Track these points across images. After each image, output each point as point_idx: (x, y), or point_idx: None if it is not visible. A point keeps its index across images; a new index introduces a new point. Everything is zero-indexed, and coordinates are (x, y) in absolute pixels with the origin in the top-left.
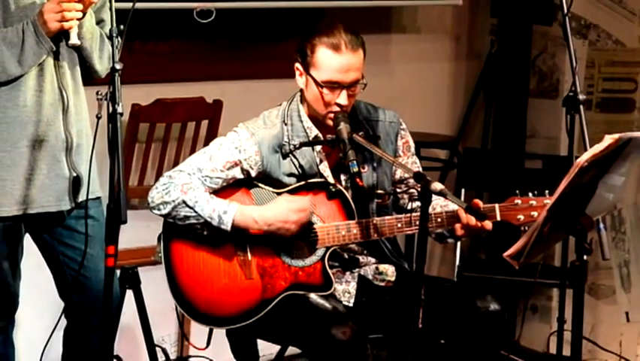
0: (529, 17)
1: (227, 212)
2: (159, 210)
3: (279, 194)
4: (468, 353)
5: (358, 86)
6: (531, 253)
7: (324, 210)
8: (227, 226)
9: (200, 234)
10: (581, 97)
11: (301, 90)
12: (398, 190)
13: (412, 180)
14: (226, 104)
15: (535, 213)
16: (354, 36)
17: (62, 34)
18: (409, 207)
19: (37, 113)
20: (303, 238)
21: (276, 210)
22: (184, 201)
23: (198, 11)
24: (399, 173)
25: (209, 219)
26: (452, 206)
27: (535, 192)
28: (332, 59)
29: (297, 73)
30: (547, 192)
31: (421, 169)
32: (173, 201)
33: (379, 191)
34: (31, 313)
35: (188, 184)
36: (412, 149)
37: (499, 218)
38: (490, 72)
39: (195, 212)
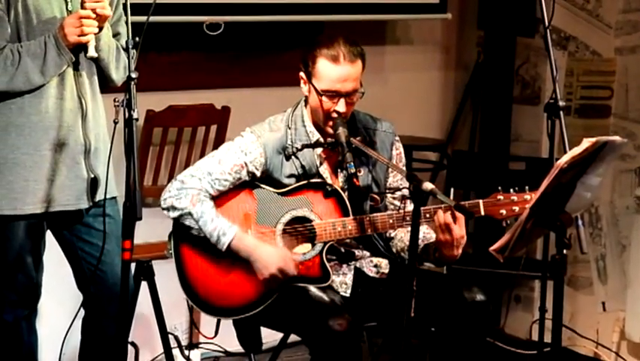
0: (513, 30)
1: (226, 234)
2: (168, 212)
3: (279, 194)
4: (456, 340)
5: (356, 94)
6: (515, 247)
7: (322, 208)
8: (223, 246)
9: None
10: (561, 103)
11: (305, 97)
12: (389, 195)
13: (404, 189)
14: (233, 111)
15: (516, 208)
16: (353, 48)
17: (81, 47)
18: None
19: (58, 119)
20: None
21: (266, 255)
22: (190, 213)
23: (208, 24)
24: (391, 179)
25: (208, 236)
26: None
27: (516, 188)
28: (331, 70)
29: (302, 81)
30: (527, 187)
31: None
32: (182, 209)
33: (374, 192)
34: (53, 303)
35: (198, 195)
36: (404, 160)
37: (483, 213)
38: (477, 80)
39: (198, 225)
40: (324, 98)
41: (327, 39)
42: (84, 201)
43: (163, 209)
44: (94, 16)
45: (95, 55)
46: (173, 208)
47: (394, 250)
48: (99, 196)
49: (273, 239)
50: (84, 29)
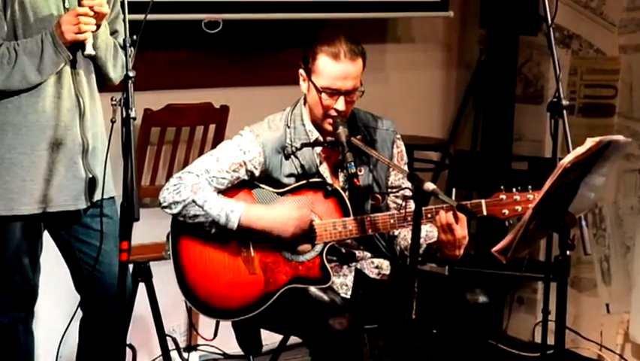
0: (515, 28)
1: (234, 211)
2: (170, 209)
3: (279, 194)
4: (458, 343)
5: (356, 93)
6: (517, 248)
7: (322, 208)
8: (233, 224)
9: (206, 232)
10: (564, 102)
11: (305, 95)
12: (390, 193)
13: (406, 189)
14: (232, 110)
15: (519, 208)
16: (354, 46)
17: (79, 45)
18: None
19: (56, 118)
20: (297, 240)
21: (279, 213)
22: (194, 201)
23: (206, 22)
24: (392, 178)
25: (217, 218)
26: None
27: (519, 188)
28: (331, 67)
29: (301, 78)
30: (530, 187)
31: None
32: (184, 200)
33: (375, 191)
34: (49, 305)
35: (198, 184)
36: (405, 158)
37: (485, 213)
38: (479, 79)
39: (204, 211)
40: (323, 96)
41: (328, 36)
42: (82, 202)
43: (163, 208)
44: (92, 13)
45: (93, 53)
46: (175, 203)
47: (397, 248)
48: (97, 196)
49: None
50: (81, 27)
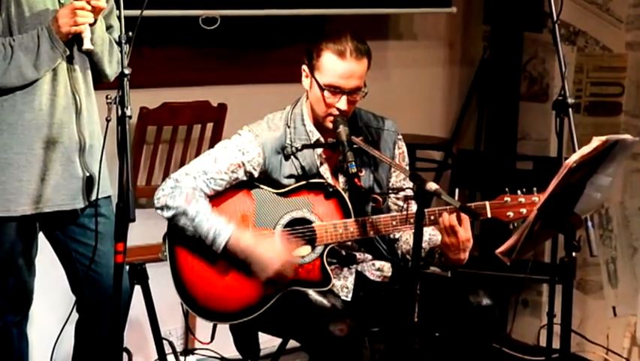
0: (520, 24)
1: (221, 234)
2: (162, 211)
3: (278, 195)
4: (461, 346)
5: (359, 93)
6: (522, 250)
7: (322, 210)
8: (219, 247)
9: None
10: (570, 101)
11: (307, 92)
12: (392, 195)
13: (407, 190)
14: (230, 108)
15: (524, 210)
16: (360, 45)
17: (75, 40)
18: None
19: (52, 116)
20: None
21: (265, 250)
22: (185, 212)
23: (204, 19)
24: (393, 179)
25: (204, 236)
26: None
27: (524, 190)
28: (336, 65)
29: (304, 74)
30: (535, 189)
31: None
32: (176, 208)
33: (375, 193)
34: (44, 308)
35: (193, 193)
36: (407, 160)
37: (489, 215)
38: (483, 77)
39: (193, 225)
40: (325, 94)
41: (335, 33)
42: (80, 201)
43: (156, 208)
44: (89, 7)
45: (92, 47)
46: (167, 207)
47: (399, 252)
48: (95, 195)
49: None
50: (78, 20)
